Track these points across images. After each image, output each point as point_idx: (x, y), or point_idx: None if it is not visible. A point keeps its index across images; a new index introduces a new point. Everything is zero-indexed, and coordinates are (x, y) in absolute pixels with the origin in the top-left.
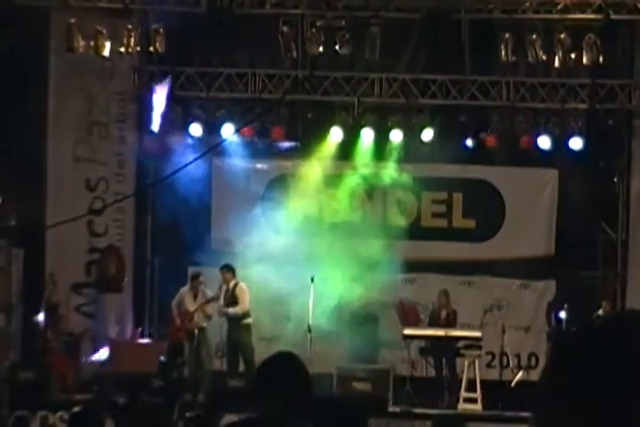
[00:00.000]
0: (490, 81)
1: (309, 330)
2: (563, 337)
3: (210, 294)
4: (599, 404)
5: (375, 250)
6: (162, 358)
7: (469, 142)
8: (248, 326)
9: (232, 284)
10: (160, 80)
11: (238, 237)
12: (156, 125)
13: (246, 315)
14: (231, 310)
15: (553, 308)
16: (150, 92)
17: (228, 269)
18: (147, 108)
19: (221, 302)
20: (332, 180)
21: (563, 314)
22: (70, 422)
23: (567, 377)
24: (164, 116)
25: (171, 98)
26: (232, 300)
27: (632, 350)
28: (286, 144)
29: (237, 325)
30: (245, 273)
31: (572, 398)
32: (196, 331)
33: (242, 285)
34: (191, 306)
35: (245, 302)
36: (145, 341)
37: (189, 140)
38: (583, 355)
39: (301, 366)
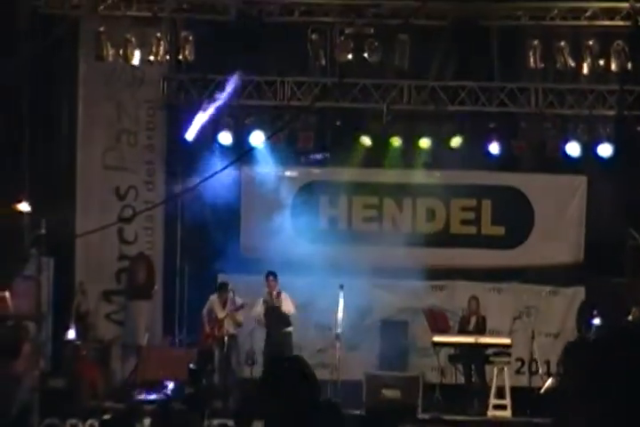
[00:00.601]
0: (518, 88)
1: (338, 338)
2: (594, 342)
3: (239, 301)
4: (630, 407)
5: (404, 257)
6: (192, 365)
7: (498, 149)
8: (289, 335)
9: (276, 291)
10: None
11: (267, 245)
12: (191, 135)
13: (288, 322)
14: (284, 308)
15: (584, 314)
16: (196, 101)
17: (275, 277)
18: (177, 116)
19: (260, 309)
20: (361, 187)
21: (596, 320)
22: None
23: (599, 381)
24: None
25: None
26: (277, 306)
27: (628, 357)
28: (318, 156)
29: (278, 333)
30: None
31: (603, 400)
32: (226, 338)
33: (284, 292)
34: (220, 313)
35: (291, 307)
36: (175, 348)
37: (219, 148)
38: (616, 359)
39: (307, 369)
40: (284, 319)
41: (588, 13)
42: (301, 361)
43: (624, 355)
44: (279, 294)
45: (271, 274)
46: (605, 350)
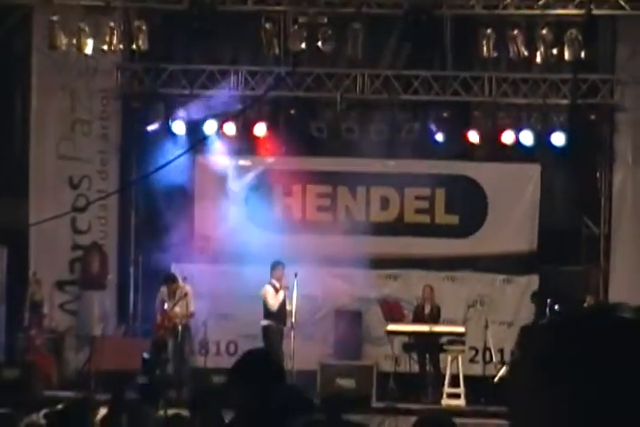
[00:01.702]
0: (472, 77)
1: (292, 326)
2: (547, 326)
3: (189, 290)
4: (585, 391)
5: (358, 246)
6: (145, 355)
7: (452, 138)
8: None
9: (284, 282)
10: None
11: (221, 234)
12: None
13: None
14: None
15: (538, 302)
16: (149, 91)
17: (283, 267)
18: (131, 105)
19: (279, 297)
20: (314, 176)
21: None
22: (54, 419)
23: (553, 366)
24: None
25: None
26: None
27: (615, 341)
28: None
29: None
30: (227, 269)
31: (558, 385)
32: (180, 328)
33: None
34: (169, 304)
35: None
36: (129, 338)
37: (172, 137)
38: (570, 343)
39: (273, 361)
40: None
41: (541, 2)
42: (266, 352)
43: (579, 339)
44: (287, 287)
45: (280, 264)
46: (559, 334)
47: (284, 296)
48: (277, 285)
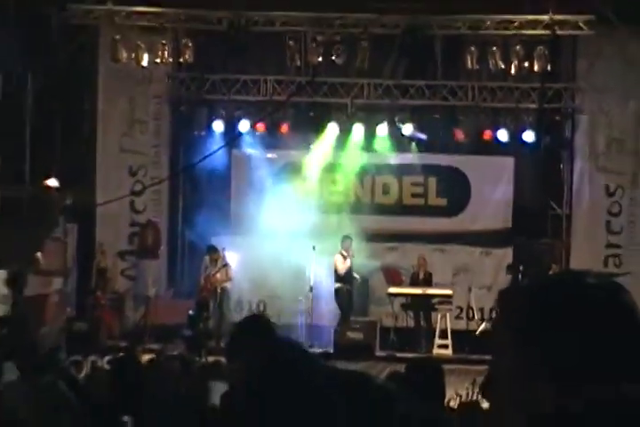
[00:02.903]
0: (458, 85)
1: (311, 290)
2: (528, 287)
3: (229, 260)
4: (546, 340)
5: (365, 224)
6: (191, 312)
7: (441, 136)
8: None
9: (350, 251)
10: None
11: (252, 213)
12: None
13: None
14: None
15: (515, 271)
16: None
17: (351, 240)
18: (179, 108)
19: (346, 264)
20: (330, 167)
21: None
22: (116, 365)
23: (523, 322)
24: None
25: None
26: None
27: (573, 300)
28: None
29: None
30: (257, 242)
31: (521, 339)
32: (219, 290)
33: None
34: (212, 270)
35: None
36: (177, 299)
37: (213, 134)
38: (530, 303)
39: (268, 326)
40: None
41: (515, 24)
42: (263, 318)
43: (549, 304)
44: (353, 256)
45: (348, 237)
46: (532, 299)
47: (351, 263)
48: (345, 254)
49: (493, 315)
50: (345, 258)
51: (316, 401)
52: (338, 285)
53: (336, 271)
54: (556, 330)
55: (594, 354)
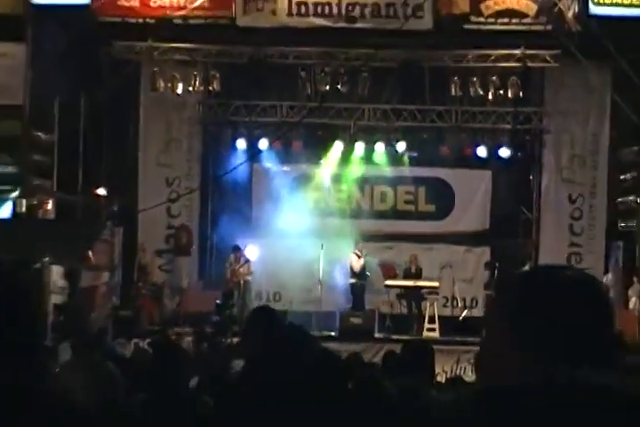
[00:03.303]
0: (444, 109)
1: (319, 282)
2: (505, 280)
3: (250, 257)
4: (528, 321)
5: (365, 226)
6: (218, 301)
7: (429, 152)
8: None
9: (363, 251)
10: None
11: (270, 218)
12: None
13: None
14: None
15: (492, 267)
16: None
17: (362, 242)
18: (208, 129)
19: (360, 262)
20: (336, 178)
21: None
22: (156, 346)
23: (506, 304)
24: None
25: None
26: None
27: (546, 289)
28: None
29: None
30: (274, 242)
31: (512, 319)
32: (242, 283)
33: None
34: (235, 266)
35: None
36: (206, 290)
37: (237, 151)
38: (517, 291)
39: (273, 315)
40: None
41: (491, 58)
42: (270, 310)
43: (537, 295)
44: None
45: (361, 240)
46: (522, 290)
47: (364, 262)
48: (359, 253)
49: (473, 303)
50: (359, 257)
51: (306, 374)
52: (353, 280)
53: (352, 269)
54: (543, 310)
55: (572, 331)
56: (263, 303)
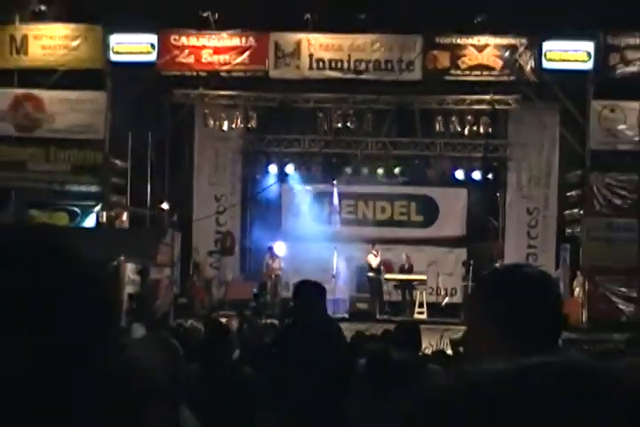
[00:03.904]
0: (430, 142)
1: (333, 276)
2: (482, 276)
3: (280, 257)
4: (504, 304)
5: (369, 233)
6: (255, 290)
7: (419, 174)
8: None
9: (378, 251)
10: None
11: (296, 227)
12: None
13: None
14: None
15: (468, 265)
16: (258, 149)
17: (375, 244)
18: (248, 157)
19: (377, 260)
20: (346, 195)
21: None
22: (206, 326)
23: (483, 293)
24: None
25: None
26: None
27: (511, 282)
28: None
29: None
30: (299, 245)
31: (486, 304)
32: (274, 276)
33: None
34: (270, 263)
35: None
36: (246, 281)
37: (269, 174)
38: (491, 284)
39: (318, 286)
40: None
41: (467, 102)
42: (314, 282)
43: (510, 279)
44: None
45: (375, 243)
46: (498, 277)
47: (381, 259)
48: (375, 253)
49: (453, 292)
50: (376, 256)
51: (325, 348)
52: (371, 274)
53: (369, 265)
54: (509, 297)
55: (531, 313)
56: (290, 293)
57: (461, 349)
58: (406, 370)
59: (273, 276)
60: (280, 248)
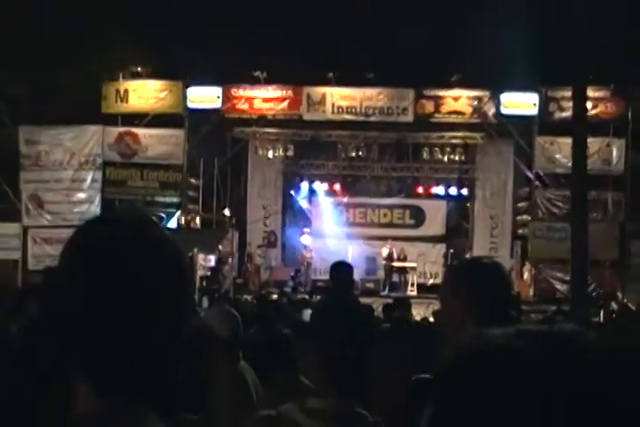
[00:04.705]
0: (419, 166)
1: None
2: (451, 266)
3: (312, 248)
4: (467, 286)
5: (375, 232)
6: (292, 273)
7: (410, 190)
8: None
9: (391, 246)
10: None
11: (322, 227)
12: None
13: None
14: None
15: (446, 255)
16: (295, 174)
17: (390, 240)
18: (289, 178)
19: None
20: (358, 205)
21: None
22: (257, 299)
23: (452, 278)
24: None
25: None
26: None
27: (476, 269)
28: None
29: None
30: (323, 240)
31: (452, 285)
32: (306, 263)
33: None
34: (304, 253)
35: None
36: (284, 265)
37: (301, 190)
38: (458, 271)
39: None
40: None
41: (446, 137)
42: (345, 263)
43: (468, 268)
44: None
45: (389, 240)
46: (463, 266)
47: (391, 250)
48: (389, 246)
49: (436, 275)
50: (389, 249)
51: (358, 309)
52: (384, 262)
53: (385, 256)
54: (473, 280)
55: (491, 292)
56: (317, 277)
57: (432, 318)
58: (422, 330)
59: (305, 263)
60: (307, 240)
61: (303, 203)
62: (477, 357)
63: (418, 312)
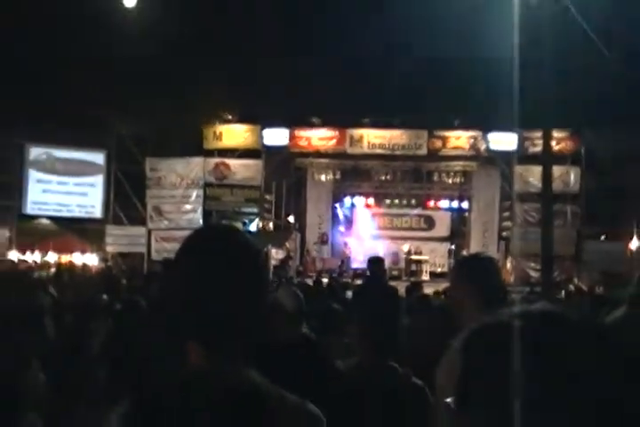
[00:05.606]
0: (431, 186)
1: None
2: (457, 259)
3: (351, 246)
4: (470, 280)
5: (397, 234)
6: (338, 263)
7: (423, 204)
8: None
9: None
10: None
11: (359, 231)
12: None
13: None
14: None
15: (450, 252)
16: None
17: (408, 240)
18: (335, 195)
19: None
20: (384, 215)
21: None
22: (314, 283)
23: (457, 269)
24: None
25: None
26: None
27: (472, 261)
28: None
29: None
30: (360, 241)
31: (458, 274)
32: (347, 257)
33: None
34: (345, 249)
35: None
36: (331, 257)
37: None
38: (461, 263)
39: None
40: None
41: (450, 166)
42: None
43: (470, 261)
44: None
45: (408, 240)
46: (463, 261)
47: (410, 248)
48: (408, 245)
49: (444, 266)
50: (409, 247)
51: (383, 299)
52: (405, 256)
53: (405, 251)
54: (471, 270)
55: (485, 279)
56: (358, 265)
57: (443, 296)
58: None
59: (346, 256)
60: (349, 240)
61: (346, 212)
62: (492, 328)
63: (429, 291)
